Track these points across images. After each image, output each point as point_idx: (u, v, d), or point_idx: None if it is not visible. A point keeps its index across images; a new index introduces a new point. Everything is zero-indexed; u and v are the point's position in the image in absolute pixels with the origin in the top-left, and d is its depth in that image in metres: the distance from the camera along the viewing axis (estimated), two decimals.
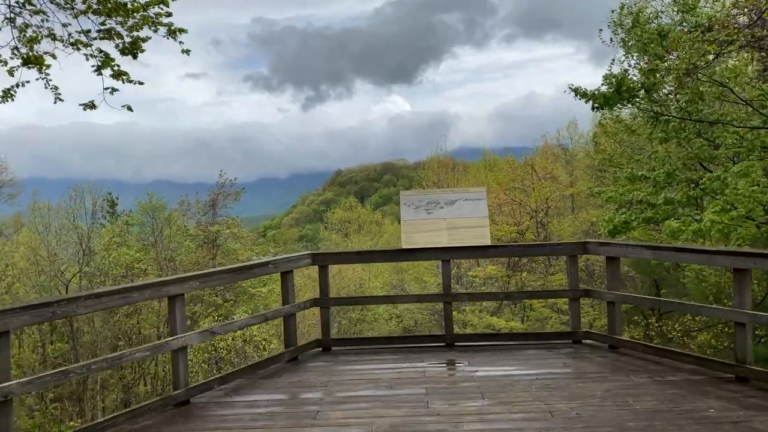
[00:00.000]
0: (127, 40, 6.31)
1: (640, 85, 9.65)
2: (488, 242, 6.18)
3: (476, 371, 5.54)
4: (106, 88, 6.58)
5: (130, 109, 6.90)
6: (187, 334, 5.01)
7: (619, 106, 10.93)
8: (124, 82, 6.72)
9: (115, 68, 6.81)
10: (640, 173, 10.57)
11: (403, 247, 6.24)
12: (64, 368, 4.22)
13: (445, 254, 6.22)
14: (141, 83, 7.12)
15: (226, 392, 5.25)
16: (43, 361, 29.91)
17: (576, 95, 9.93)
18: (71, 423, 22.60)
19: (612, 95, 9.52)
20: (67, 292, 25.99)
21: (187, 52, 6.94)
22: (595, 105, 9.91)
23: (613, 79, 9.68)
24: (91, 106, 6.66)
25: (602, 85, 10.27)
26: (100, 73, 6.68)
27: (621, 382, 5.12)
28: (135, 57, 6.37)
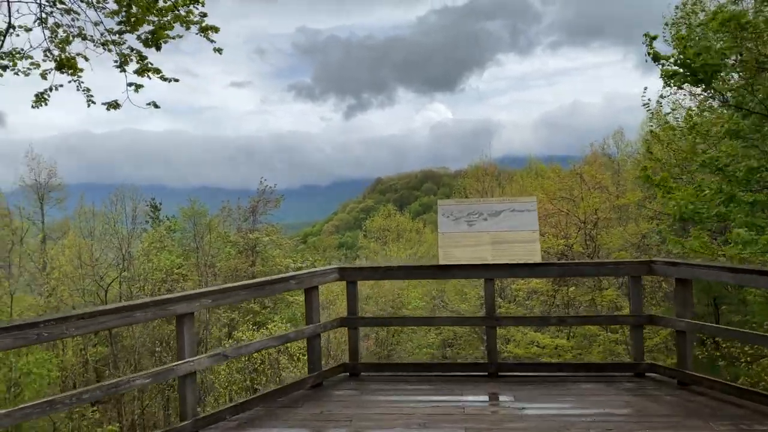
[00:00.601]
0: (148, 28, 5.87)
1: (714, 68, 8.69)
2: (538, 259, 5.46)
3: (524, 409, 4.81)
4: (130, 84, 6.17)
5: (156, 105, 6.51)
6: (196, 358, 4.46)
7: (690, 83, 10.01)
8: (150, 78, 6.31)
9: (141, 63, 6.41)
10: (717, 164, 9.27)
11: (441, 263, 5.57)
12: (50, 398, 3.71)
13: (489, 272, 5.52)
14: (176, 80, 6.69)
15: (239, 424, 4.67)
16: (84, 364, 30.33)
17: (655, 60, 9.17)
18: (109, 427, 22.64)
19: (694, 60, 8.56)
20: (106, 297, 26.22)
21: (219, 50, 6.50)
22: (670, 75, 9.06)
23: (687, 44, 8.77)
24: (114, 105, 6.27)
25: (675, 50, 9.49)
26: (124, 70, 6.28)
27: (698, 430, 4.31)
28: (158, 48, 5.93)
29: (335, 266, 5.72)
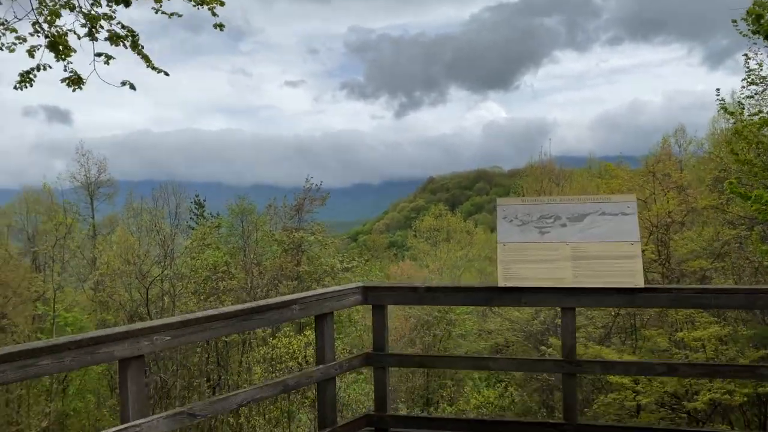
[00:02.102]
0: None
1: None
2: (641, 282, 3.85)
3: None
4: (99, 54, 4.94)
5: (132, 87, 5.33)
6: (148, 419, 3.10)
7: None
8: (126, 46, 5.06)
9: (133, 37, 5.19)
10: None
11: (501, 284, 4.04)
12: None
13: (569, 299, 3.95)
14: (166, 74, 5.66)
15: None
16: None
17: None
18: None
19: None
20: (147, 295, 25.76)
21: (220, 26, 5.28)
22: None
23: None
24: (75, 81, 5.05)
25: None
26: (95, 38, 5.05)
27: None
28: (127, 5, 4.66)
29: (358, 284, 4.27)
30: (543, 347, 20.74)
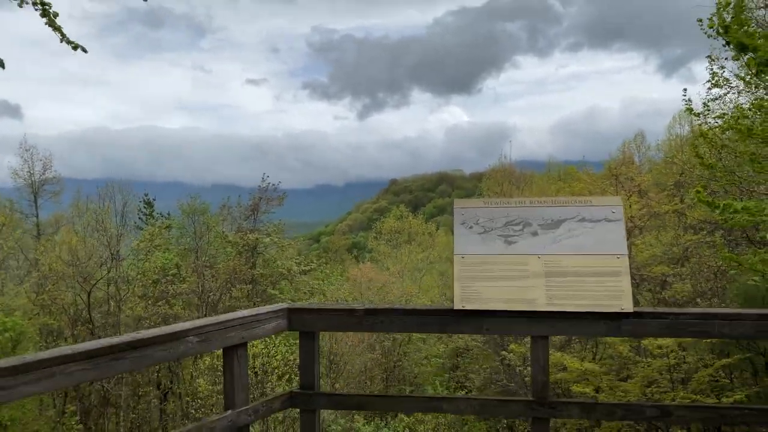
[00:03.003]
0: None
1: None
2: (629, 306, 3.10)
3: None
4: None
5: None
6: None
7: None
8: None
9: None
10: None
11: (458, 306, 3.23)
12: None
13: (540, 326, 3.17)
14: (84, 50, 4.95)
15: None
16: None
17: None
18: None
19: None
20: (89, 299, 24.17)
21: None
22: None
23: None
24: None
25: None
26: None
27: None
28: None
29: (281, 305, 3.40)
30: (504, 352, 20.25)
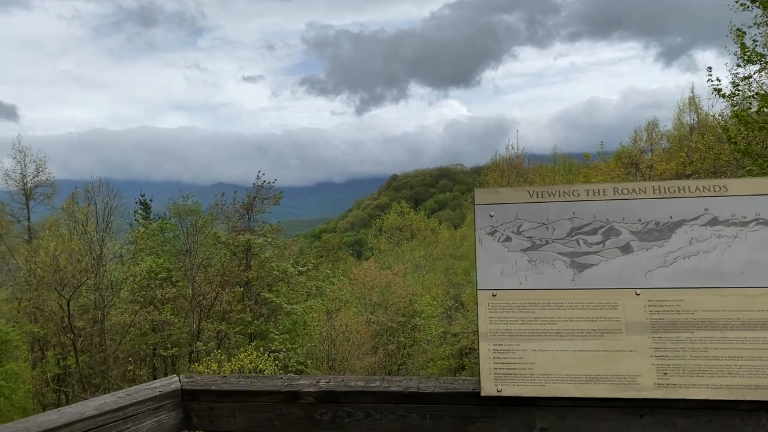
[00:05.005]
0: None
1: None
2: None
3: None
4: None
5: None
6: None
7: None
8: None
9: None
10: None
11: (487, 391, 1.75)
12: None
13: (646, 423, 1.72)
14: None
15: None
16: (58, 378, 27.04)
17: None
18: None
19: None
20: (69, 307, 22.70)
21: None
22: None
23: None
24: None
25: None
26: None
27: None
28: None
29: (170, 382, 1.92)
30: None
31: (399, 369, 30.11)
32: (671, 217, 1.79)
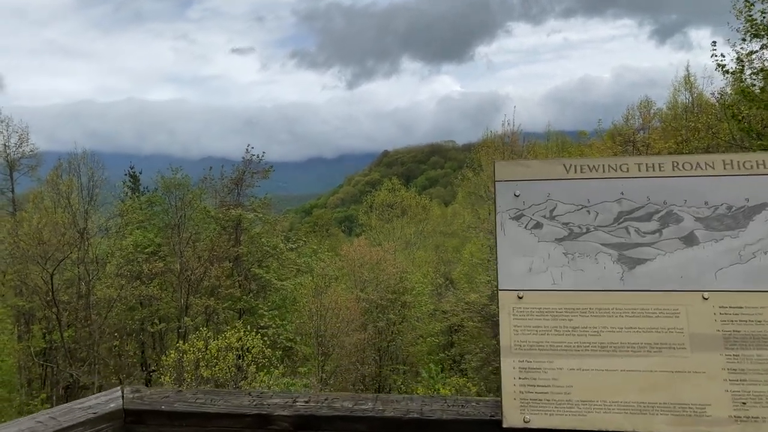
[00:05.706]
0: None
1: None
2: None
3: None
4: None
5: None
6: None
7: None
8: None
9: None
10: None
11: (510, 422, 1.39)
12: None
13: None
14: None
15: None
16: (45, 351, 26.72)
17: None
18: None
19: None
20: (52, 281, 22.20)
21: None
22: None
23: None
24: None
25: None
26: None
27: None
28: None
29: (110, 398, 1.55)
30: None
31: (389, 345, 30.08)
32: (747, 200, 1.40)
